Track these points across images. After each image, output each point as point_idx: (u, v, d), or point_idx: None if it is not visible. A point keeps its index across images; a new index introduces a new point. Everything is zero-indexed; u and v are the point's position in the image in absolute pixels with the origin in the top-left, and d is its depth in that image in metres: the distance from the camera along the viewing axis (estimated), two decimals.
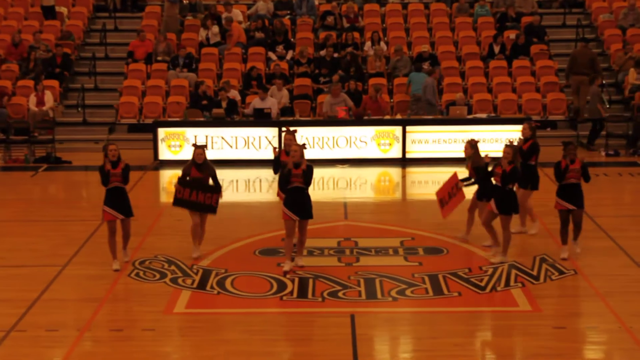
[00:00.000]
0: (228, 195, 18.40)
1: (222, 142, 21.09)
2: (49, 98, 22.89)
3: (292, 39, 25.90)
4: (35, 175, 20.46)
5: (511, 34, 25.41)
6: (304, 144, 13.02)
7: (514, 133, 21.09)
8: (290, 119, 21.65)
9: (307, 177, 12.82)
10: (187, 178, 13.50)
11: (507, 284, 12.53)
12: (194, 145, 13.68)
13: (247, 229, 15.22)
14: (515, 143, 13.49)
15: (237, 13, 26.31)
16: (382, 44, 25.26)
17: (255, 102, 21.78)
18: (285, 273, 12.90)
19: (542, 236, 14.78)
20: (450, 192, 14.09)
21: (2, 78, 24.16)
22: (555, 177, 13.46)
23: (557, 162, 13.43)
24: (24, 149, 22.13)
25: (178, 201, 13.53)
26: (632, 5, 26.30)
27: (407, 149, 21.25)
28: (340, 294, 12.13)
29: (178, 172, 20.37)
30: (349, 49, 24.65)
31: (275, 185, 13.94)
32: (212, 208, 13.53)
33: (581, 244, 13.73)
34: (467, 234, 14.46)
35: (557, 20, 27.42)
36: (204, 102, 22.18)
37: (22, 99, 23.31)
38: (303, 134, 20.91)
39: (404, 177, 20.28)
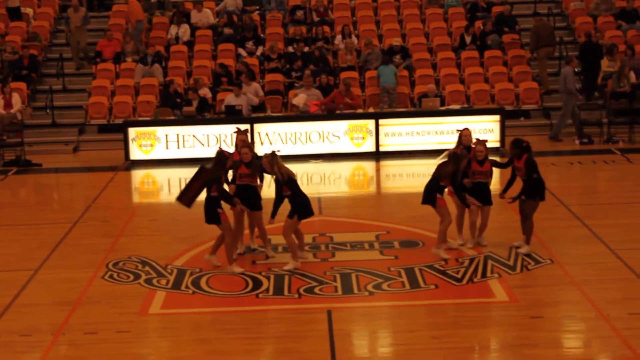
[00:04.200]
0: (201, 195, 18.30)
1: (194, 140, 20.95)
2: (16, 100, 22.64)
3: (261, 35, 25.79)
4: (4, 179, 20.22)
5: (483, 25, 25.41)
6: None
7: (487, 124, 21.20)
8: (262, 115, 21.53)
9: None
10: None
11: (484, 275, 12.49)
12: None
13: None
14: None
15: (208, 12, 26.16)
16: (353, 37, 25.19)
17: (229, 98, 21.65)
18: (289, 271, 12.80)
19: (518, 227, 14.73)
20: None
21: None
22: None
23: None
24: None
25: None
26: None
27: (380, 143, 21.18)
28: (316, 290, 12.04)
29: (150, 172, 20.52)
30: (320, 44, 24.56)
31: None
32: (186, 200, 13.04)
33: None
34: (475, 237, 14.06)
35: (527, 9, 27.48)
36: (178, 100, 22.03)
37: None
38: (275, 130, 20.91)
39: (378, 170, 20.22)
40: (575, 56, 23.67)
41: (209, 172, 12.67)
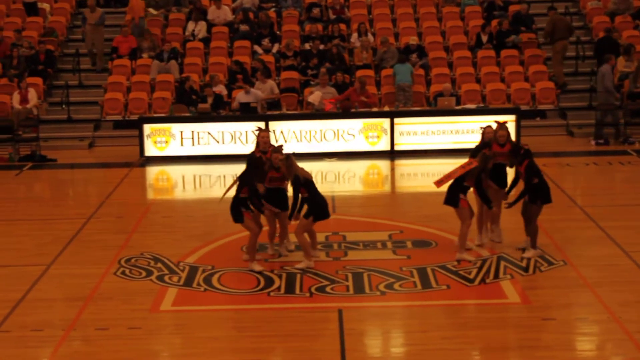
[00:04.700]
0: (215, 191, 18.35)
1: (209, 137, 20.96)
2: (32, 96, 22.70)
3: (278, 32, 25.77)
4: (20, 174, 20.30)
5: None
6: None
7: None
8: (277, 112, 21.52)
9: None
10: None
11: (496, 276, 12.44)
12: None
13: (234, 225, 14.99)
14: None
15: (226, 9, 26.17)
16: (369, 35, 25.15)
17: (239, 96, 21.65)
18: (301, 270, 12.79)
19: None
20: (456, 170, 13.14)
21: None
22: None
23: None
24: (8, 147, 21.93)
25: None
26: None
27: (395, 141, 21.12)
28: (328, 289, 12.02)
29: (164, 169, 20.55)
30: (336, 41, 24.53)
31: None
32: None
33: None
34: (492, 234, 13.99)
35: (544, 8, 27.29)
36: (194, 96, 22.06)
37: (6, 97, 23.11)
38: (290, 128, 20.90)
39: (392, 169, 20.18)
40: (592, 55, 23.60)
41: (245, 173, 12.75)
